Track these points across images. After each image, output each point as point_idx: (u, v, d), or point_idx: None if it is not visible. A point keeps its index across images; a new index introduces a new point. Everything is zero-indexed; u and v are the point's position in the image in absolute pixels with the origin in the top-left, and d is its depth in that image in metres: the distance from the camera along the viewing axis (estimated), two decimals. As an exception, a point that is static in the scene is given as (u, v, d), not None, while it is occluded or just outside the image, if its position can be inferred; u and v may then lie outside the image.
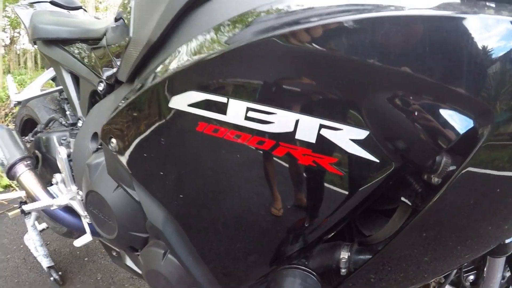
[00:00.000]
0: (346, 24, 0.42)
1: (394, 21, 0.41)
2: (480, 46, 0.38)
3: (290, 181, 0.50)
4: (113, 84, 0.93)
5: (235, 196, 0.56)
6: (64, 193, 1.12)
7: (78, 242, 1.11)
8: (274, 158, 0.49)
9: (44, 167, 1.36)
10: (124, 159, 0.70)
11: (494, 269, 0.76)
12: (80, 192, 1.03)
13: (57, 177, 1.15)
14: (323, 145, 0.45)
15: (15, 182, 1.27)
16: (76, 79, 1.22)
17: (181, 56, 0.57)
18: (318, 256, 0.58)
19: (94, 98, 1.12)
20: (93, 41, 1.11)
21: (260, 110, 0.48)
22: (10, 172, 1.26)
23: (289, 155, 0.48)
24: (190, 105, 0.54)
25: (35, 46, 1.35)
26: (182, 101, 0.55)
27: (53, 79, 1.48)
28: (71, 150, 1.09)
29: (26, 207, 1.16)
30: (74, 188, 1.06)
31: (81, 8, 1.64)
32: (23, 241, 1.66)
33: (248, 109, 0.48)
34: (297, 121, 0.46)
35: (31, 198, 1.20)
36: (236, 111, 0.49)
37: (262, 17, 0.49)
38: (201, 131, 0.53)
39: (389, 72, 0.41)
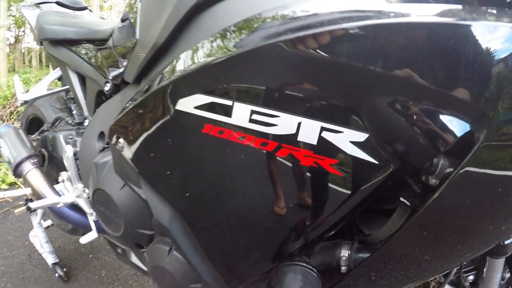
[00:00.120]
0: (349, 30, 0.43)
1: (394, 28, 0.42)
2: (478, 52, 0.39)
3: (292, 181, 0.52)
4: (119, 85, 0.95)
5: (239, 195, 0.58)
6: (70, 191, 1.13)
7: (84, 239, 1.12)
8: (277, 159, 0.51)
9: (50, 165, 1.37)
10: (131, 158, 0.72)
11: (493, 269, 0.77)
12: (87, 190, 1.04)
13: (63, 175, 1.16)
14: (324, 147, 0.47)
15: (20, 180, 1.28)
16: (82, 79, 1.24)
17: (187, 60, 0.59)
18: (319, 253, 0.59)
19: (100, 98, 1.14)
20: (99, 42, 1.12)
21: (264, 113, 0.49)
22: (17, 170, 1.27)
23: (291, 156, 0.50)
24: (196, 108, 0.55)
25: (42, 46, 1.37)
26: (188, 104, 0.56)
27: (59, 78, 1.50)
28: (78, 149, 1.10)
29: (32, 205, 1.17)
30: (80, 186, 1.08)
31: (87, 8, 1.66)
32: (28, 238, 1.67)
33: (253, 112, 0.50)
34: (299, 124, 0.48)
35: (37, 196, 1.21)
36: (241, 114, 0.51)
37: (267, 23, 0.51)
38: (207, 133, 0.55)
39: (388, 78, 0.42)
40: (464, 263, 0.76)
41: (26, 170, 1.25)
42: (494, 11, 0.42)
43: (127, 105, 0.72)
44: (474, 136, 0.41)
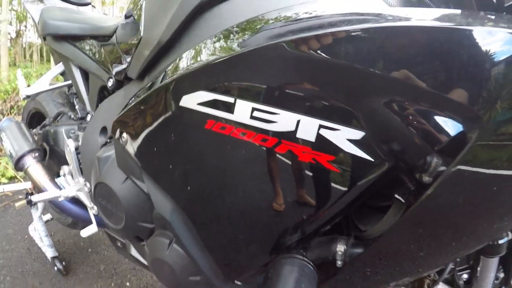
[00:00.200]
0: (349, 33, 0.45)
1: (392, 31, 0.43)
2: (472, 56, 0.40)
3: (291, 176, 0.53)
4: (122, 81, 0.96)
5: (239, 189, 0.60)
6: (72, 185, 1.14)
7: (85, 233, 1.14)
8: (276, 155, 0.53)
9: (52, 159, 1.38)
10: (134, 152, 0.73)
11: (487, 269, 0.77)
12: (88, 184, 1.05)
13: (64, 169, 1.17)
14: (322, 144, 0.48)
15: (20, 174, 1.28)
16: (85, 74, 1.25)
17: (191, 58, 0.60)
18: (316, 248, 0.61)
19: (103, 93, 1.15)
20: (103, 38, 1.13)
21: (265, 110, 0.51)
22: (18, 164, 1.28)
23: (290, 152, 0.51)
24: (199, 104, 0.57)
25: (44, 41, 1.38)
26: (192, 100, 0.58)
27: (62, 73, 1.51)
28: (79, 143, 1.11)
29: (34, 198, 1.18)
30: (81, 180, 1.08)
31: (90, 4, 1.67)
32: (27, 231, 1.67)
33: (254, 109, 0.52)
34: (298, 121, 0.49)
35: (39, 189, 1.22)
36: (243, 111, 0.53)
37: (269, 24, 0.52)
38: (209, 129, 0.57)
39: (386, 79, 0.44)
40: (458, 260, 0.77)
41: (27, 164, 1.27)
42: (492, 16, 0.43)
43: (131, 101, 0.74)
44: (466, 136, 0.42)
